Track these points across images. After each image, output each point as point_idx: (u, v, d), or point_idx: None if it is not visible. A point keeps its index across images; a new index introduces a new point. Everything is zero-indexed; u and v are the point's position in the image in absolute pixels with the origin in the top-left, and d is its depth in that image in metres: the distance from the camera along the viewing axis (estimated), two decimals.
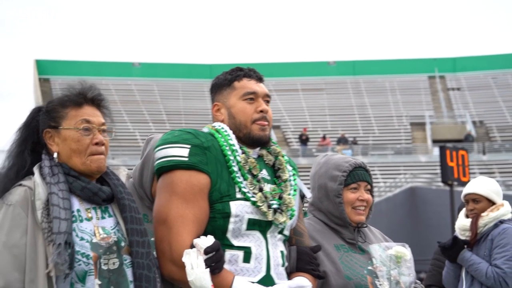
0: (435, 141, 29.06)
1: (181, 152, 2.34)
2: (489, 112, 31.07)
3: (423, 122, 31.44)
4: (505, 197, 4.38)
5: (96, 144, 2.23)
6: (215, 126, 2.47)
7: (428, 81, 35.05)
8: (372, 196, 2.86)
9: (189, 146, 2.34)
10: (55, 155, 2.24)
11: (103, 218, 2.25)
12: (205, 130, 2.48)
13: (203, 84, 35.28)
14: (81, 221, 2.20)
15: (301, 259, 2.47)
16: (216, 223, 2.33)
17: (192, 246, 2.25)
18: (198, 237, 2.28)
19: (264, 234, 2.38)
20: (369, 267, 2.69)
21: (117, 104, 30.92)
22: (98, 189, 2.24)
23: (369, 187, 2.84)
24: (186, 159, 2.33)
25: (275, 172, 2.51)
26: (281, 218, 2.40)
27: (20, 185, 2.20)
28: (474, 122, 30.31)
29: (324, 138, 29.25)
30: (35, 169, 2.22)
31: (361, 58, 45.43)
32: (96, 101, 2.31)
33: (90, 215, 2.23)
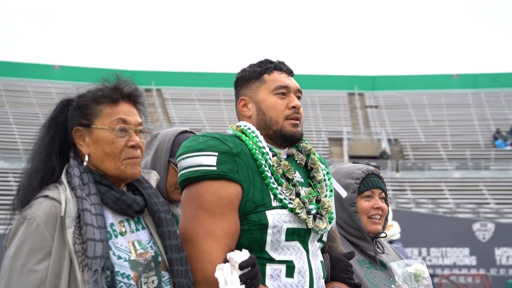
0: (351, 157, 29.73)
1: (209, 160, 2.13)
2: (404, 131, 32.03)
3: (340, 138, 32.12)
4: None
5: (132, 147, 1.99)
6: (240, 126, 2.27)
7: (348, 98, 35.85)
8: (387, 204, 2.71)
9: (216, 154, 2.14)
10: (86, 158, 1.97)
11: (137, 230, 2.02)
12: (229, 131, 2.29)
13: None
14: (116, 236, 1.97)
15: (336, 267, 2.30)
16: (253, 236, 2.13)
17: (225, 261, 2.06)
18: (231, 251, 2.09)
19: (304, 244, 2.20)
20: (393, 286, 2.58)
21: (35, 107, 30.18)
22: (132, 201, 2.00)
23: (383, 195, 2.70)
24: (215, 168, 2.12)
25: (307, 172, 2.32)
26: (322, 225, 2.22)
27: (46, 197, 1.91)
28: (389, 140, 31.17)
29: None
30: (64, 179, 1.95)
31: None
32: (133, 97, 2.05)
33: (123, 229, 1.99)
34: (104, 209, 1.97)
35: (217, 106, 33.61)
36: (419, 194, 25.45)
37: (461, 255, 19.26)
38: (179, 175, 2.19)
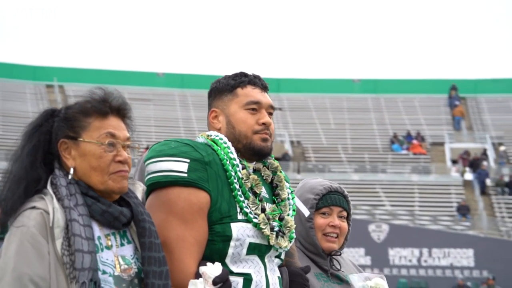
0: None
1: (180, 166, 2.12)
2: (306, 133, 32.73)
3: None
4: None
5: (119, 162, 1.95)
6: (211, 136, 2.26)
7: None
8: (349, 224, 2.67)
9: (188, 160, 2.13)
10: (71, 171, 1.92)
11: (122, 245, 1.97)
12: (200, 140, 2.26)
13: (25, 86, 33.97)
14: (102, 250, 1.91)
15: (295, 282, 2.29)
16: (215, 247, 2.13)
17: (197, 275, 2.04)
18: (203, 264, 2.05)
19: (262, 259, 2.21)
20: None
21: None
22: (119, 213, 1.95)
23: (344, 213, 2.66)
24: (185, 175, 2.12)
25: (272, 189, 2.32)
26: (283, 243, 2.22)
27: (34, 207, 1.86)
28: (292, 142, 31.77)
29: (147, 149, 29.20)
30: (49, 189, 1.90)
31: (189, 71, 46.13)
32: (122, 111, 2.02)
33: (110, 242, 1.95)
34: (91, 221, 1.91)
35: None
36: None
37: (357, 255, 19.90)
38: (147, 178, 2.17)
